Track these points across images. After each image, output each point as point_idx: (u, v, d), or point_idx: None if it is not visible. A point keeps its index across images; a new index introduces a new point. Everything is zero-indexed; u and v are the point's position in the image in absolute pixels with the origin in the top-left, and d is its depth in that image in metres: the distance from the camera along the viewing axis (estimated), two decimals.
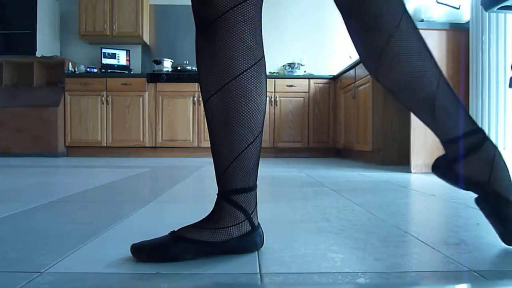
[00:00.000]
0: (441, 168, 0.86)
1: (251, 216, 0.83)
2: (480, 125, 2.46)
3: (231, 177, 0.81)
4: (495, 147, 0.84)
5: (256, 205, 0.85)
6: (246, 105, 0.78)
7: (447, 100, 0.83)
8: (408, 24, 0.82)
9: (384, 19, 0.81)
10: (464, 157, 0.83)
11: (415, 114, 0.88)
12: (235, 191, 0.81)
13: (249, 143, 0.80)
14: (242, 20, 0.75)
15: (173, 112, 4.87)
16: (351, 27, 0.86)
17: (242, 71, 0.76)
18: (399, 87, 0.84)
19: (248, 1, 0.75)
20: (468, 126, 0.83)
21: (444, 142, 0.86)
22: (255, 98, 0.79)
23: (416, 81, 0.82)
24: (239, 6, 0.74)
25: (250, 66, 0.77)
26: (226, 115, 0.78)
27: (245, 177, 0.82)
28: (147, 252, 0.77)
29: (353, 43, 0.88)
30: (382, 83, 0.87)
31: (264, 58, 0.81)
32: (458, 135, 0.83)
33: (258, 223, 0.85)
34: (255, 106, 0.79)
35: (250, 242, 0.83)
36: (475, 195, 0.88)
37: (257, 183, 0.86)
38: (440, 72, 0.83)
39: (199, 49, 0.79)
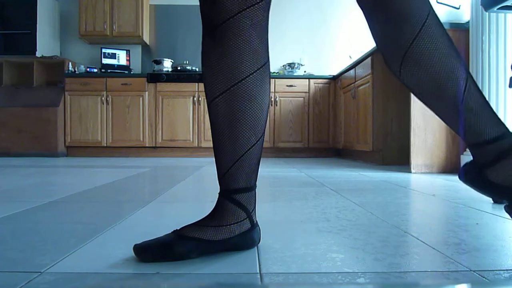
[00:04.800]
0: (469, 174, 0.81)
1: (251, 214, 0.85)
2: None
3: (233, 177, 0.82)
4: None
5: (255, 204, 0.87)
6: (250, 107, 0.79)
7: (474, 103, 0.78)
8: (435, 21, 0.78)
9: (410, 16, 0.77)
10: (495, 163, 0.78)
11: (439, 116, 0.83)
12: (237, 190, 0.83)
13: (252, 144, 0.81)
14: (250, 23, 0.76)
15: (173, 112, 4.87)
16: (374, 25, 0.82)
17: (248, 74, 0.77)
18: (425, 87, 0.80)
19: (256, 5, 0.76)
20: (497, 129, 0.77)
21: (471, 147, 0.80)
22: (259, 101, 0.80)
23: (443, 82, 0.77)
24: (248, 10, 0.75)
25: (255, 70, 0.78)
26: (231, 117, 0.79)
27: (247, 177, 0.83)
28: (150, 252, 0.77)
29: (376, 42, 0.84)
30: (406, 83, 0.82)
31: (269, 62, 0.82)
32: (487, 139, 0.77)
33: (256, 221, 0.87)
34: (259, 109, 0.80)
35: (249, 239, 0.85)
36: (494, 200, 0.85)
37: (257, 183, 0.87)
38: (468, 72, 0.79)
39: (206, 51, 0.79)
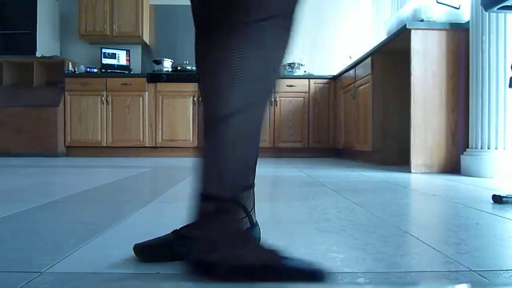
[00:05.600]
0: None
1: (250, 213, 0.85)
2: (480, 125, 2.47)
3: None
4: None
5: (254, 203, 0.86)
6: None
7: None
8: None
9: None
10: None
11: None
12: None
13: None
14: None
15: (173, 112, 4.87)
16: None
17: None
18: None
19: None
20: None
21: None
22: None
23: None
24: None
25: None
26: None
27: (245, 175, 0.83)
28: (150, 251, 0.77)
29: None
30: None
31: None
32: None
33: (256, 220, 0.87)
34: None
35: None
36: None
37: (257, 183, 0.86)
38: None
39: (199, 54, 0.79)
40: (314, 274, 0.65)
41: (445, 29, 2.74)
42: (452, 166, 2.73)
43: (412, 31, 2.72)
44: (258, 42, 0.66)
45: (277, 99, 4.89)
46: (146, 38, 5.33)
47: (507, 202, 1.44)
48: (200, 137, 0.69)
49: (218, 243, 0.66)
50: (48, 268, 0.72)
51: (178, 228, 0.82)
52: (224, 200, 0.68)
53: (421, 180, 2.30)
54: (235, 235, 0.68)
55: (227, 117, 0.66)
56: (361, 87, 3.78)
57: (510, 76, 1.62)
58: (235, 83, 0.66)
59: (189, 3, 0.79)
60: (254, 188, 0.88)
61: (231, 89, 0.66)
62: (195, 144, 4.86)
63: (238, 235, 0.67)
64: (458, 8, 2.77)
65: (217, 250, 0.66)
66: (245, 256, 0.65)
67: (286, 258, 0.66)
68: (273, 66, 0.68)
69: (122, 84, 4.86)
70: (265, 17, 0.66)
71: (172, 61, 5.09)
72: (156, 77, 4.86)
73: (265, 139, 4.84)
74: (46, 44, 5.02)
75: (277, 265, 0.65)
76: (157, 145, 4.87)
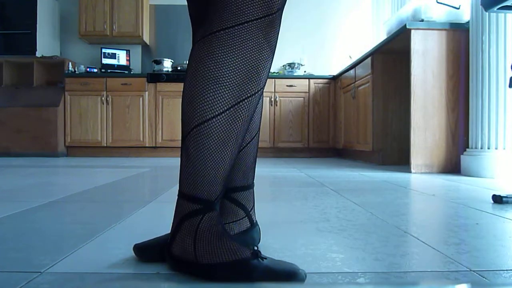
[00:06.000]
0: None
1: (250, 213, 0.85)
2: (480, 125, 2.47)
3: (230, 176, 0.82)
4: None
5: (254, 203, 0.87)
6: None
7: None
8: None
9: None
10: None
11: None
12: (234, 189, 0.83)
13: (247, 142, 0.82)
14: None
15: (173, 112, 4.87)
16: None
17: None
18: None
19: None
20: None
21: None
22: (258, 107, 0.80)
23: None
24: None
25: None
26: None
27: (244, 175, 0.83)
28: (150, 252, 0.77)
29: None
30: None
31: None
32: None
33: (256, 220, 0.87)
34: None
35: (249, 238, 0.85)
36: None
37: (257, 183, 0.86)
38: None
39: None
40: (289, 275, 0.65)
41: (445, 29, 2.74)
42: (452, 166, 2.73)
43: (412, 31, 2.72)
44: (237, 45, 0.66)
45: (277, 99, 4.89)
46: (146, 38, 5.33)
47: (507, 202, 1.44)
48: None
49: (193, 242, 0.68)
50: (48, 268, 0.72)
51: None
52: (198, 201, 0.69)
53: (421, 180, 2.30)
54: (209, 235, 0.68)
55: (203, 122, 0.67)
56: (361, 87, 3.78)
57: (510, 76, 1.62)
58: (210, 89, 0.66)
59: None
60: (254, 188, 0.88)
61: (207, 95, 0.67)
62: None
63: (212, 235, 0.68)
64: (458, 8, 2.77)
65: (190, 248, 0.68)
66: (216, 253, 0.67)
67: (263, 258, 0.67)
68: (250, 71, 0.68)
69: (122, 84, 4.86)
70: (246, 20, 0.66)
71: (172, 61, 5.09)
72: (156, 77, 4.86)
73: (265, 139, 4.84)
74: (46, 44, 5.02)
75: (249, 264, 0.65)
76: (157, 145, 4.87)
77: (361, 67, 3.75)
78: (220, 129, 0.67)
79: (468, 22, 2.68)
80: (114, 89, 4.86)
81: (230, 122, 0.67)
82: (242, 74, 0.67)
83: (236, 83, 0.66)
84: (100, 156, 4.89)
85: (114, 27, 5.12)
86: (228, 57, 0.66)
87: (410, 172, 2.71)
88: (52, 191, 1.79)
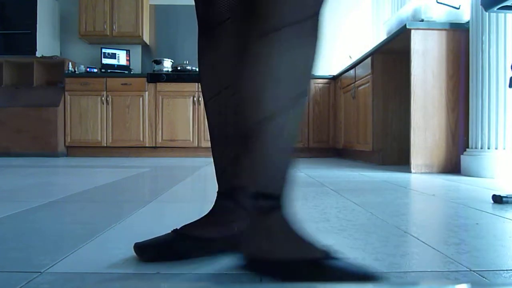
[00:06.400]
0: None
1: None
2: (480, 125, 2.47)
3: (231, 175, 0.82)
4: None
5: None
6: None
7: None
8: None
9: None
10: None
11: None
12: (235, 188, 0.82)
13: None
14: None
15: (173, 112, 4.87)
16: None
17: None
18: None
19: None
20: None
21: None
22: None
23: None
24: None
25: None
26: (225, 117, 0.78)
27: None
28: (151, 251, 0.77)
29: None
30: None
31: None
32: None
33: None
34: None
35: None
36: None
37: None
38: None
39: (201, 51, 0.80)
40: (364, 276, 0.64)
41: (445, 29, 2.74)
42: (452, 166, 2.73)
43: (412, 31, 2.72)
44: (297, 45, 0.66)
45: None
46: (146, 38, 5.33)
47: (507, 202, 1.44)
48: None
49: (271, 240, 0.68)
50: (48, 268, 0.72)
51: (178, 228, 0.82)
52: (269, 198, 0.69)
53: (421, 180, 2.30)
54: (285, 232, 0.68)
55: (272, 118, 0.67)
56: (361, 87, 3.78)
57: (510, 76, 1.62)
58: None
59: (189, 3, 0.80)
60: None
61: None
62: (195, 144, 4.86)
63: (287, 233, 0.68)
64: (458, 8, 2.77)
65: (268, 246, 0.68)
66: (293, 252, 0.67)
67: (336, 258, 0.66)
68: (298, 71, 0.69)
69: (122, 84, 4.86)
70: (282, 25, 0.65)
71: (172, 61, 5.09)
72: (156, 77, 4.86)
73: None
74: (46, 44, 5.02)
75: (325, 264, 0.65)
76: (157, 145, 4.87)
77: (361, 67, 3.75)
78: (289, 124, 0.68)
79: (468, 22, 2.68)
80: (114, 89, 4.86)
81: (295, 117, 0.68)
82: (305, 72, 0.68)
83: (298, 80, 0.68)
84: (100, 156, 4.89)
85: (114, 27, 5.12)
86: (293, 57, 0.66)
87: (410, 172, 2.71)
88: (52, 191, 1.79)
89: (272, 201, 0.69)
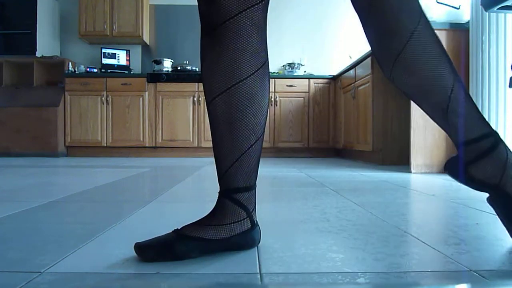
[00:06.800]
0: (453, 169, 0.89)
1: (251, 214, 0.85)
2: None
3: (233, 176, 0.82)
4: (508, 150, 0.84)
5: (255, 204, 0.87)
6: (250, 107, 0.79)
7: (459, 105, 0.83)
8: (426, 27, 0.82)
9: (402, 22, 0.81)
10: (476, 160, 0.84)
11: (429, 116, 0.89)
12: (237, 189, 0.83)
13: (252, 143, 0.81)
14: (250, 24, 0.76)
15: (173, 112, 4.87)
16: (368, 29, 0.87)
17: (249, 74, 0.78)
18: (413, 90, 0.85)
19: (256, 6, 0.76)
20: (480, 130, 0.84)
21: (457, 145, 0.87)
22: (259, 100, 0.81)
23: (430, 86, 0.82)
24: (248, 10, 0.76)
25: (256, 69, 0.79)
26: (230, 116, 0.79)
27: (247, 176, 0.83)
28: (151, 251, 0.78)
29: (370, 46, 0.89)
30: (397, 85, 0.88)
31: (268, 61, 0.83)
32: (469, 140, 0.84)
33: (257, 220, 0.87)
34: (258, 109, 0.81)
35: (250, 238, 0.85)
36: (487, 194, 0.88)
37: (257, 183, 0.87)
38: (455, 76, 0.83)
39: (205, 51, 0.80)
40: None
41: (445, 29, 2.74)
42: None
43: None
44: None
45: (277, 99, 4.89)
46: (146, 38, 5.33)
47: None
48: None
49: (502, 170, 0.84)
50: (48, 268, 0.72)
51: (179, 228, 0.82)
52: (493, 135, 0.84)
53: (421, 180, 2.30)
54: None
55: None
56: (361, 87, 3.78)
57: (510, 76, 1.62)
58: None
59: (189, 3, 0.80)
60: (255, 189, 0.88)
61: None
62: (195, 144, 4.86)
63: None
64: (458, 8, 2.77)
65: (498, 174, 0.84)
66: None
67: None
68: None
69: (122, 84, 4.86)
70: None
71: (172, 61, 5.09)
72: (156, 77, 4.86)
73: (265, 139, 4.84)
74: (46, 44, 5.02)
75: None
76: (157, 145, 4.87)
77: (361, 67, 3.75)
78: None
79: (468, 22, 2.68)
80: (114, 89, 4.86)
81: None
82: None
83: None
84: (100, 156, 4.89)
85: (114, 27, 5.12)
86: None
87: (410, 172, 2.71)
88: (52, 191, 1.79)
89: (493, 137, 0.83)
